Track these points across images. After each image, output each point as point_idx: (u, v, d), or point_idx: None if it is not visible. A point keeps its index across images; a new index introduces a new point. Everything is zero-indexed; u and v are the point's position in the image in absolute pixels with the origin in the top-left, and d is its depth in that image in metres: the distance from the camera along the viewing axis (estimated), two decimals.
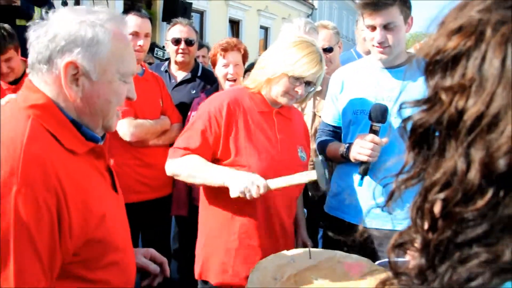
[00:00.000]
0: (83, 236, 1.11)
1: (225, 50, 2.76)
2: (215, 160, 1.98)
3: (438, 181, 0.56)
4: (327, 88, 2.46)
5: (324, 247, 2.39)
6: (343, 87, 2.32)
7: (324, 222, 2.59)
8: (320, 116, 2.65)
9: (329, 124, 2.39)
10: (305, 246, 2.23)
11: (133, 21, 2.77)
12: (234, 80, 2.77)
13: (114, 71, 1.20)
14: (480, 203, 0.52)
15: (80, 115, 1.20)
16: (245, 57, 2.86)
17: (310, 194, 2.90)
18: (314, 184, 2.93)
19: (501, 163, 0.51)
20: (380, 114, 1.98)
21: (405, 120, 0.63)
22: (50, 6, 5.30)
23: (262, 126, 2.02)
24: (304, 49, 1.92)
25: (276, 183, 1.84)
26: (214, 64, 2.87)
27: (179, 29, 3.19)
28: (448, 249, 0.56)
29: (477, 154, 0.52)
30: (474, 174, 0.53)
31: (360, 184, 2.02)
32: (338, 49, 3.21)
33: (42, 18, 1.17)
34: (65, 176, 1.08)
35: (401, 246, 0.64)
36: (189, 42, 3.17)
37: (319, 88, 2.73)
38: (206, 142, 1.94)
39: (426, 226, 0.59)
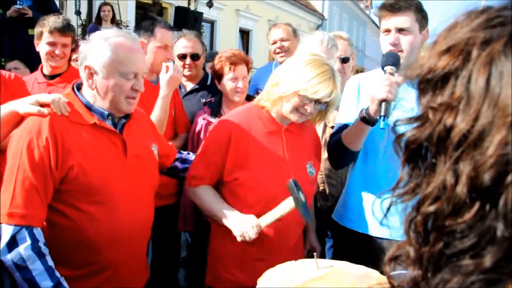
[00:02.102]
0: (62, 168, 1.69)
1: (234, 64, 2.72)
2: (226, 182, 2.06)
3: (430, 195, 0.59)
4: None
5: (332, 257, 2.37)
6: (359, 91, 2.30)
7: (332, 232, 2.57)
8: (331, 127, 2.63)
9: (345, 124, 2.31)
10: (313, 250, 2.22)
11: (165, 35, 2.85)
12: (242, 92, 2.76)
13: (114, 70, 1.77)
14: (467, 216, 0.54)
15: (95, 100, 1.82)
16: (249, 67, 2.85)
17: (318, 204, 2.89)
18: (322, 194, 2.94)
19: (486, 177, 0.53)
20: (392, 59, 1.99)
21: (399, 137, 0.65)
22: (60, 15, 5.39)
23: (270, 147, 2.04)
24: (316, 69, 1.92)
25: (266, 220, 1.90)
26: (219, 76, 2.78)
27: (183, 44, 3.19)
28: (440, 261, 0.58)
29: (464, 168, 0.55)
30: (461, 188, 0.55)
31: (384, 126, 1.92)
32: (351, 60, 3.23)
33: None
34: (61, 133, 1.69)
35: (396, 259, 0.65)
36: (194, 57, 3.19)
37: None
38: (216, 169, 2.06)
39: (419, 239, 0.61)
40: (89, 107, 1.81)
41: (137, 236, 1.90)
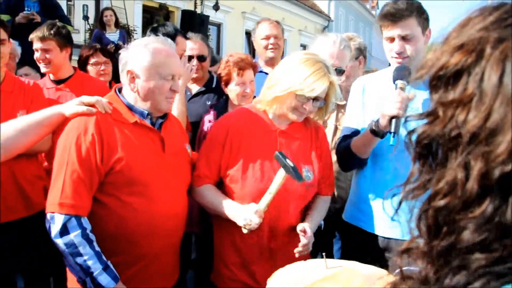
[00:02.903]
0: (107, 162, 1.83)
1: (242, 69, 2.72)
2: (223, 179, 2.10)
3: (441, 190, 0.60)
4: None
5: (341, 258, 2.37)
6: (364, 94, 2.32)
7: (341, 233, 2.57)
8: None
9: (352, 128, 2.34)
10: (303, 232, 2.05)
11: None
12: (250, 97, 2.76)
13: (154, 73, 1.91)
14: (478, 211, 0.55)
15: (136, 101, 1.96)
16: (255, 72, 2.85)
17: None
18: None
19: (497, 173, 0.54)
20: (403, 73, 2.00)
21: (410, 133, 0.66)
22: (67, 20, 5.45)
23: (262, 148, 2.05)
24: (310, 67, 1.93)
25: (264, 201, 1.92)
26: (226, 81, 2.78)
27: (190, 46, 3.23)
28: (450, 254, 0.59)
29: (475, 165, 0.56)
30: (472, 184, 0.56)
31: (393, 143, 1.94)
32: (358, 64, 3.22)
33: None
34: (106, 131, 1.85)
35: (407, 252, 0.66)
36: (201, 58, 3.23)
37: (343, 102, 2.74)
38: (216, 166, 2.10)
39: (430, 232, 0.62)
40: (130, 107, 1.97)
41: (172, 229, 2.00)
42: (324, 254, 1.80)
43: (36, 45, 3.09)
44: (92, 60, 3.81)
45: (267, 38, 3.52)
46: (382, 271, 1.64)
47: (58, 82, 3.19)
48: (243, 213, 1.93)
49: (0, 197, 2.43)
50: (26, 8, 5.04)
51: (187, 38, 3.22)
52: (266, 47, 3.52)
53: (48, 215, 1.79)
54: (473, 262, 0.56)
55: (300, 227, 2.00)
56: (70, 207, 1.77)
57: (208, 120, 2.86)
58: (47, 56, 3.09)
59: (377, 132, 2.02)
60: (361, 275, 1.60)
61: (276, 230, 2.05)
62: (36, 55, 3.11)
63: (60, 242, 1.76)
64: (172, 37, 2.85)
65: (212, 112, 2.89)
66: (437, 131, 0.61)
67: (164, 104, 1.97)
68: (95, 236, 1.82)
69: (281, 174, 1.89)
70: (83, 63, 3.85)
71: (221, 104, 2.89)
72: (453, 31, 0.63)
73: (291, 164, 1.88)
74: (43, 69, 3.16)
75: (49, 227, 1.78)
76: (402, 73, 2.01)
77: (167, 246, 2.01)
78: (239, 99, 2.75)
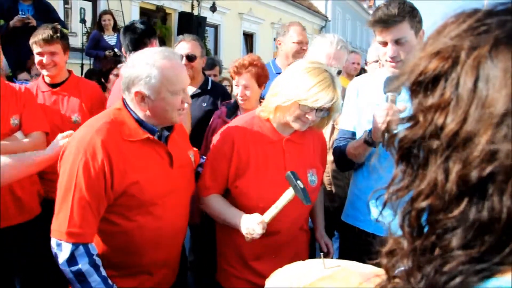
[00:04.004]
0: (119, 189, 1.80)
1: (235, 73, 2.84)
2: (231, 189, 2.11)
3: (422, 191, 0.62)
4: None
5: (339, 258, 2.37)
6: (358, 96, 2.32)
7: (339, 232, 2.57)
8: (339, 129, 2.64)
9: (348, 131, 2.37)
10: (327, 246, 2.30)
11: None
12: (244, 100, 2.83)
13: (165, 91, 1.84)
14: (457, 210, 0.58)
15: (147, 118, 1.90)
16: (259, 76, 2.83)
17: (325, 205, 2.88)
18: (328, 195, 2.93)
19: (474, 175, 0.56)
20: (393, 85, 1.97)
21: (392, 136, 0.69)
22: (62, 23, 5.44)
23: (270, 158, 2.07)
24: (315, 77, 1.91)
25: (269, 214, 1.94)
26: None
27: (181, 46, 3.28)
28: (432, 253, 0.61)
29: (454, 167, 0.58)
30: (451, 185, 0.59)
31: (387, 156, 1.95)
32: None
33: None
34: (115, 154, 1.78)
35: (392, 253, 0.69)
36: (190, 58, 3.24)
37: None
38: (222, 177, 2.10)
39: (413, 232, 0.65)
40: (140, 123, 1.91)
41: (176, 240, 2.05)
42: (322, 254, 1.81)
43: (42, 48, 3.02)
44: (115, 71, 4.27)
45: (300, 43, 3.61)
46: (381, 271, 1.64)
47: (53, 85, 3.17)
48: (247, 222, 1.96)
49: None
50: (20, 12, 5.01)
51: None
52: (298, 52, 3.59)
53: (54, 242, 1.78)
54: (453, 259, 0.58)
55: (322, 243, 2.21)
56: (78, 236, 1.76)
57: (218, 117, 2.95)
58: (54, 59, 3.07)
59: (370, 143, 2.04)
60: (359, 275, 1.60)
61: (281, 228, 2.06)
62: (40, 58, 3.05)
63: (68, 271, 1.78)
64: (146, 36, 2.93)
65: (223, 110, 2.98)
66: (418, 135, 0.63)
67: (176, 117, 1.94)
68: (101, 250, 1.85)
69: (290, 193, 1.91)
70: (106, 72, 4.36)
71: (233, 104, 2.99)
72: (430, 37, 0.65)
73: (301, 186, 1.89)
74: (46, 72, 3.11)
75: (56, 254, 1.78)
76: (392, 84, 1.97)
77: (170, 256, 2.05)
78: (238, 100, 2.85)
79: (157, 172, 1.91)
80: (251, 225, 1.93)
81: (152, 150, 1.92)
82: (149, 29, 3.11)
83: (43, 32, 3.04)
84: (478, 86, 0.57)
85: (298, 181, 1.89)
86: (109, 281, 1.82)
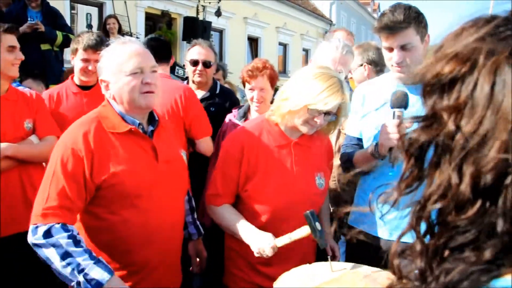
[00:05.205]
0: (99, 178, 1.82)
1: (250, 77, 2.83)
2: (241, 194, 2.12)
3: (435, 192, 0.63)
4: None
5: (346, 261, 2.38)
6: (364, 102, 2.34)
7: (346, 236, 2.58)
8: (345, 134, 2.66)
9: (354, 137, 2.39)
10: (333, 251, 2.28)
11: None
12: (260, 102, 2.85)
13: (119, 72, 1.89)
14: (470, 212, 0.59)
15: (126, 111, 1.93)
16: (272, 78, 2.87)
17: (331, 209, 2.90)
18: (334, 199, 2.94)
19: (488, 178, 0.57)
20: (401, 101, 1.98)
21: (403, 135, 0.70)
22: (69, 29, 5.49)
23: (279, 161, 2.09)
24: (325, 82, 1.95)
25: (282, 241, 1.94)
26: (244, 84, 2.95)
27: (197, 51, 3.29)
28: (443, 253, 0.62)
29: (468, 169, 0.59)
30: (465, 187, 0.59)
31: (392, 172, 1.98)
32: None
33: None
34: (97, 144, 1.83)
35: (403, 253, 0.69)
36: (206, 64, 3.27)
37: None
38: (233, 183, 2.11)
39: (425, 233, 0.65)
40: (122, 116, 1.94)
41: (169, 238, 1.99)
42: (329, 257, 1.83)
43: (89, 56, 3.02)
44: None
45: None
46: (387, 273, 1.65)
47: (83, 87, 3.17)
48: (259, 242, 1.95)
49: (2, 206, 2.44)
50: (29, 18, 5.07)
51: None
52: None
53: (31, 227, 1.74)
54: (465, 260, 0.59)
55: (328, 247, 2.16)
56: (54, 216, 1.73)
57: (229, 119, 2.99)
58: (96, 65, 3.11)
59: (376, 156, 2.06)
60: (366, 277, 1.61)
61: (289, 232, 2.07)
62: (85, 65, 3.04)
63: (43, 242, 1.71)
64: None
65: (235, 112, 3.02)
66: (432, 135, 0.64)
67: (141, 100, 1.90)
68: (89, 247, 1.78)
69: (306, 231, 1.90)
70: None
71: (245, 107, 3.02)
72: (447, 40, 0.65)
73: (319, 228, 1.88)
74: (88, 78, 3.10)
75: (32, 243, 1.73)
76: (400, 101, 1.98)
77: (165, 255, 1.99)
78: (251, 103, 2.90)
79: (140, 165, 1.91)
80: (262, 245, 1.94)
81: (135, 143, 1.93)
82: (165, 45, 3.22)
83: (91, 40, 3.04)
84: (494, 91, 0.58)
85: (317, 223, 1.87)
86: (94, 253, 1.76)
